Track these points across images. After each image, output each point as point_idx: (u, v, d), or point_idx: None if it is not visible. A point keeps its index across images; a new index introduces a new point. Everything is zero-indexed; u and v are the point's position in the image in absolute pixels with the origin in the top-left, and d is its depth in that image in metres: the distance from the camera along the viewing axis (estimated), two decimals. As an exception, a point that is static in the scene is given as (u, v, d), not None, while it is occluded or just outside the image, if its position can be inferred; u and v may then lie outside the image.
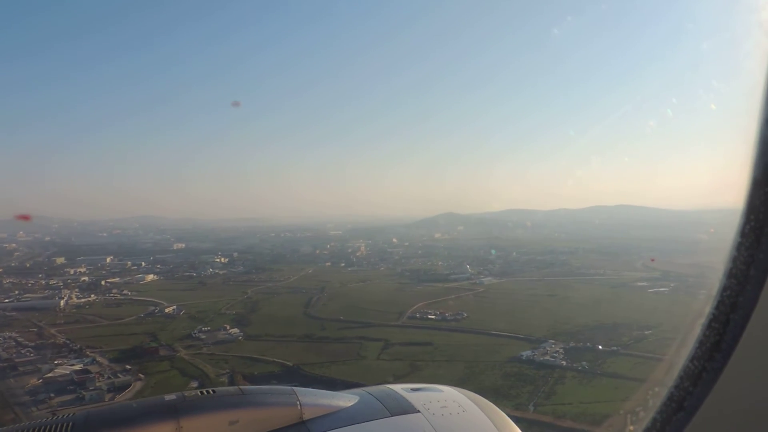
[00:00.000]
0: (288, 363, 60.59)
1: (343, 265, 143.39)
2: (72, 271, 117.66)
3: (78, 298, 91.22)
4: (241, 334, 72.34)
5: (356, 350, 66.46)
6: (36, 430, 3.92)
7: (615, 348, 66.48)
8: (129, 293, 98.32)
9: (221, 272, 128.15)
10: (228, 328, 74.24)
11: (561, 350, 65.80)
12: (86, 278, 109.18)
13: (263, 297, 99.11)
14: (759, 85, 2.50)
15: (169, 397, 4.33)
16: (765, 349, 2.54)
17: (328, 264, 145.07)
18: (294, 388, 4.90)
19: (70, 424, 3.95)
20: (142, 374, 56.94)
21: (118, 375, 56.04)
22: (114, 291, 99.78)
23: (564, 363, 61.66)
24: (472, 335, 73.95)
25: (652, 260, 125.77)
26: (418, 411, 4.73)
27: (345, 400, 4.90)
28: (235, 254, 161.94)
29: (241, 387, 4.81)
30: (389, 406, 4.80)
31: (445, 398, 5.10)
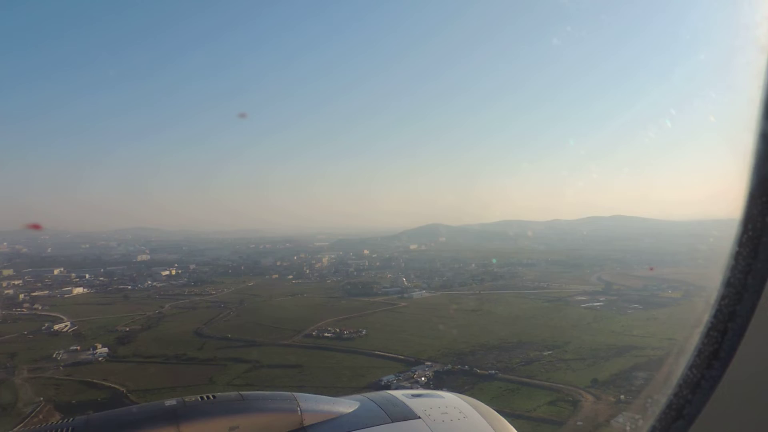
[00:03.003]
0: (121, 389, 54.52)
1: (290, 277, 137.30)
2: (5, 284, 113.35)
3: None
4: (107, 355, 66.54)
5: (214, 374, 60.05)
6: None
7: (493, 372, 59.17)
8: (39, 308, 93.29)
9: (159, 285, 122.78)
10: (98, 347, 68.46)
11: (430, 374, 58.66)
12: (10, 291, 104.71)
13: (175, 312, 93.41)
14: (755, 98, 2.52)
15: (169, 402, 4.18)
16: (763, 357, 2.51)
17: (275, 276, 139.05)
18: (295, 393, 4.67)
19: (70, 429, 3.83)
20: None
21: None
22: (25, 305, 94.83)
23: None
24: (353, 356, 67.15)
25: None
26: (419, 417, 4.58)
27: (346, 405, 4.72)
28: (192, 266, 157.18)
29: (241, 392, 4.55)
30: (390, 412, 4.64)
31: (446, 404, 4.93)
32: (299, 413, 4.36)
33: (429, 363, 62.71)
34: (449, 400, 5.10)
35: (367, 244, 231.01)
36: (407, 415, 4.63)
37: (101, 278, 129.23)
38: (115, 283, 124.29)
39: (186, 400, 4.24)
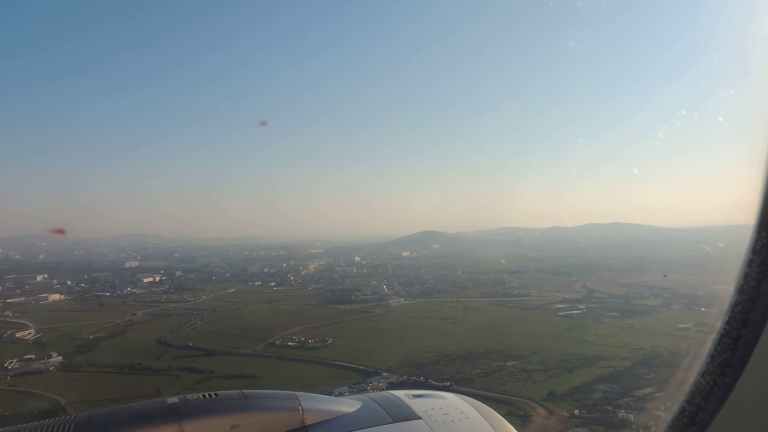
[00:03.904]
0: (61, 400, 52.40)
1: (273, 284, 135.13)
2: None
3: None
4: (59, 364, 64.50)
5: (163, 385, 57.79)
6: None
7: (448, 384, 56.64)
8: (9, 314, 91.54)
9: (138, 292, 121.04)
10: (53, 356, 66.40)
11: (384, 387, 56.20)
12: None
13: (146, 319, 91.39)
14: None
15: (171, 399, 4.12)
16: None
17: (258, 283, 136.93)
18: (296, 392, 4.63)
19: (72, 425, 3.79)
20: None
21: None
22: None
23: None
24: (312, 366, 64.86)
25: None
26: (420, 418, 4.53)
27: (347, 405, 4.67)
28: (179, 273, 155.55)
29: (243, 391, 4.52)
30: (391, 412, 4.57)
31: (447, 405, 4.87)
32: (301, 412, 4.29)
33: (386, 374, 60.31)
34: (451, 400, 5.05)
35: (362, 251, 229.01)
36: (408, 415, 4.57)
37: (82, 285, 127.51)
38: (95, 289, 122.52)
39: (188, 397, 4.17)
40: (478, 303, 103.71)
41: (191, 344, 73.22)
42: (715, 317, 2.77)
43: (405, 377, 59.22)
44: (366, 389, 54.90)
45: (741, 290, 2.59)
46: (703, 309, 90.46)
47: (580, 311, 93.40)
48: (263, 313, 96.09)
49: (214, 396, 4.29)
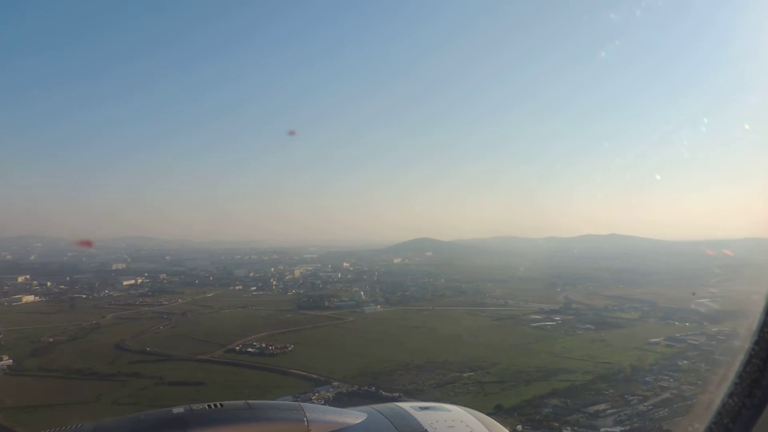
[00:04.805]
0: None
1: (254, 289, 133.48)
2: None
3: None
4: (7, 368, 62.75)
5: (106, 390, 55.87)
6: None
7: (397, 395, 54.41)
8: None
9: (116, 294, 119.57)
10: (3, 359, 64.73)
11: (330, 396, 54.11)
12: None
13: (114, 323, 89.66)
14: None
15: (177, 409, 4.08)
16: None
17: (239, 288, 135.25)
18: (301, 403, 4.61)
19: None
20: None
21: None
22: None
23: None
24: (264, 373, 62.87)
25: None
26: (426, 430, 4.48)
27: (353, 417, 4.60)
28: (163, 276, 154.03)
29: (248, 401, 4.47)
30: (397, 425, 4.52)
31: (452, 418, 4.80)
32: (306, 423, 4.22)
33: (336, 383, 58.14)
34: (456, 413, 4.95)
35: (355, 256, 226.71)
36: (414, 427, 4.49)
37: (62, 286, 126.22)
38: (73, 291, 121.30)
39: (194, 407, 4.10)
40: (454, 312, 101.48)
41: (148, 349, 71.39)
42: (744, 338, 2.62)
43: (356, 387, 57.08)
44: (311, 399, 52.89)
45: None
46: (677, 323, 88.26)
47: (554, 322, 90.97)
48: (234, 317, 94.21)
49: (219, 406, 4.20)
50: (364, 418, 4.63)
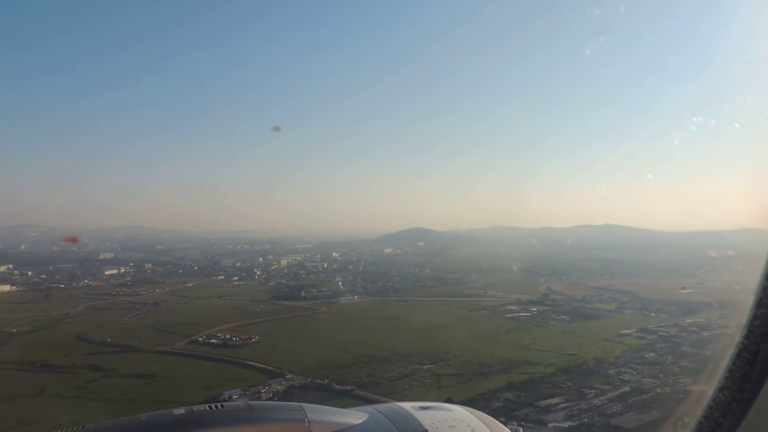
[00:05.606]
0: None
1: (236, 279, 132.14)
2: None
3: None
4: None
5: (52, 383, 54.47)
6: None
7: (349, 388, 52.94)
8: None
9: (94, 284, 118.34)
10: (-42, 350, 63.52)
11: (281, 390, 52.57)
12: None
13: (84, 313, 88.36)
14: None
15: (178, 411, 4.01)
16: None
17: (221, 278, 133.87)
18: (302, 404, 4.50)
19: None
20: None
21: None
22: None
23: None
24: (221, 365, 61.42)
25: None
26: (426, 430, 4.45)
27: (354, 417, 4.56)
28: (149, 266, 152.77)
29: (249, 402, 4.44)
30: (398, 425, 4.49)
31: (453, 417, 4.74)
32: (307, 424, 4.20)
33: (290, 376, 56.59)
34: (457, 413, 4.90)
35: (348, 246, 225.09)
36: (415, 427, 4.48)
37: (42, 276, 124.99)
38: (52, 281, 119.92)
39: (194, 409, 4.06)
40: (431, 303, 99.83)
41: (109, 340, 70.01)
42: (735, 331, 2.62)
43: (309, 380, 55.49)
44: (260, 392, 51.47)
45: (760, 304, 2.48)
46: (652, 314, 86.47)
47: (529, 314, 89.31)
48: (206, 308, 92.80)
49: (220, 407, 4.12)
50: (365, 419, 4.55)
